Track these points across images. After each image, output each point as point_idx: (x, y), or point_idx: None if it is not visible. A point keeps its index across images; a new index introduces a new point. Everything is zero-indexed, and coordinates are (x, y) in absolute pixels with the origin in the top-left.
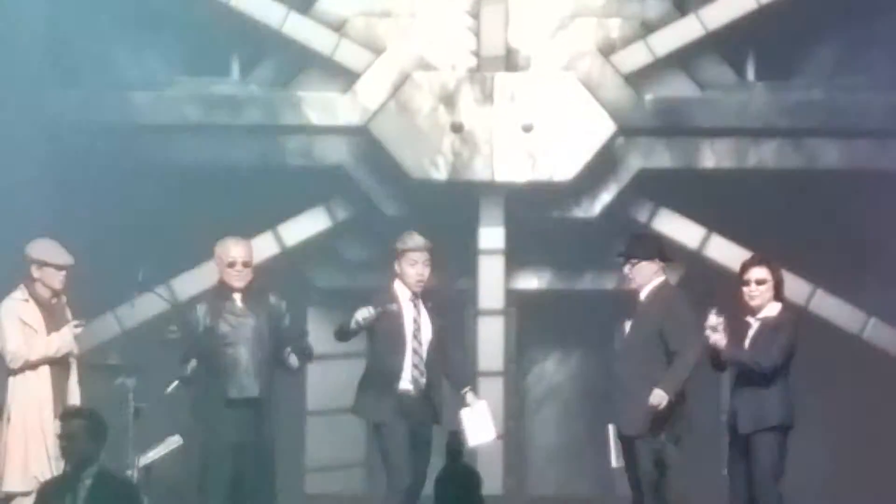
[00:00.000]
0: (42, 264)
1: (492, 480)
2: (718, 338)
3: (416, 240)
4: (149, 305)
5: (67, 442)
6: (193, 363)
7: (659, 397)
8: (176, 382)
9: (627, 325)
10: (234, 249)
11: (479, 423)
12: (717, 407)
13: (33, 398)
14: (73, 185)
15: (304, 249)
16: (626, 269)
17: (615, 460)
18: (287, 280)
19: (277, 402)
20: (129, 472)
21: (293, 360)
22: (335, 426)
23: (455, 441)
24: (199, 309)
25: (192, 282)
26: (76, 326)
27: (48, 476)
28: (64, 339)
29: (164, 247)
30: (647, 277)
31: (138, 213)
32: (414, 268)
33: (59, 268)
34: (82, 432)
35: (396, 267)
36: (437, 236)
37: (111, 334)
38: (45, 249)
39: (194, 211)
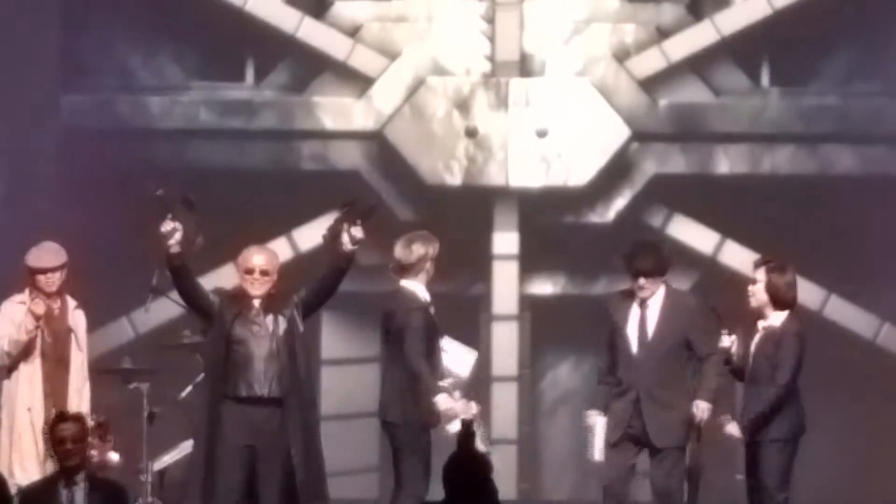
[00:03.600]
0: (31, 272)
1: (506, 485)
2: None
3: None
4: (163, 310)
5: (73, 444)
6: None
7: (705, 410)
8: (190, 388)
9: (634, 333)
10: (255, 257)
11: (457, 357)
12: (732, 410)
13: (26, 398)
14: (88, 190)
15: (319, 254)
16: (642, 281)
17: (598, 454)
18: (301, 285)
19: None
20: (142, 477)
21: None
22: (349, 431)
23: (466, 428)
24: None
25: (207, 286)
26: (33, 301)
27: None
28: (17, 322)
29: None
30: (658, 287)
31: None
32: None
33: (42, 271)
34: (84, 435)
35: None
36: (451, 241)
37: (125, 339)
38: (30, 257)
39: (208, 216)
